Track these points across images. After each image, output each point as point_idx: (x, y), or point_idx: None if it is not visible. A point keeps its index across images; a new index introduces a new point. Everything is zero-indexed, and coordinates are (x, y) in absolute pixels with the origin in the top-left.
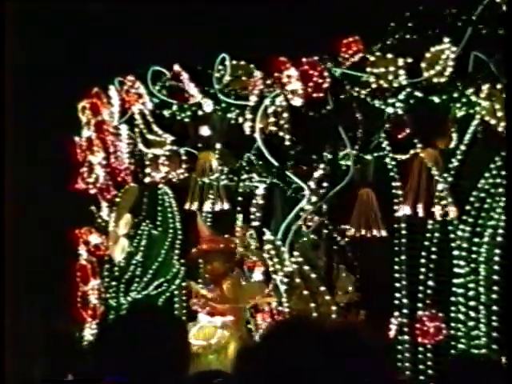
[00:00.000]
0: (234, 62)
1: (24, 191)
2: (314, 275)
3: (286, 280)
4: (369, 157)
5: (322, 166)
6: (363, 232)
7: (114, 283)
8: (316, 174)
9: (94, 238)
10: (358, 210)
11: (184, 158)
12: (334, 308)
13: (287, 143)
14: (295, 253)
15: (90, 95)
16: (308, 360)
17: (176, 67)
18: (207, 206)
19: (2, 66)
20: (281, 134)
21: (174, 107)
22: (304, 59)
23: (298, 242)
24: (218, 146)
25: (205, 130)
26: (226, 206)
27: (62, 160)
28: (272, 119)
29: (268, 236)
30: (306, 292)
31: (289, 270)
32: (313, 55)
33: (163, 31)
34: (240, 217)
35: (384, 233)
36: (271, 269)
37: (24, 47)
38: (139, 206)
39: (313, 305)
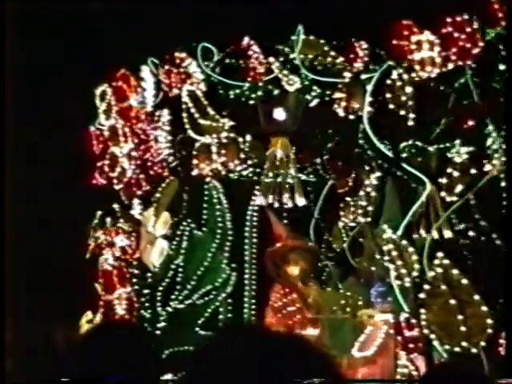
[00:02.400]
0: (304, 37)
1: (24, 191)
2: (464, 281)
3: (426, 287)
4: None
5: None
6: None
7: (147, 291)
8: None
9: (120, 240)
10: None
11: (242, 146)
12: (489, 321)
13: (410, 123)
14: (439, 254)
15: (114, 78)
16: None
17: (246, 40)
18: (285, 201)
19: (2, 66)
20: (402, 112)
21: (244, 87)
22: (449, 19)
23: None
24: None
25: (279, 113)
26: (303, 201)
27: (65, 158)
28: (388, 95)
29: (389, 234)
30: (452, 301)
31: (430, 275)
32: (453, 15)
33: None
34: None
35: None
36: (393, 273)
37: (24, 47)
38: (179, 203)
39: (460, 317)
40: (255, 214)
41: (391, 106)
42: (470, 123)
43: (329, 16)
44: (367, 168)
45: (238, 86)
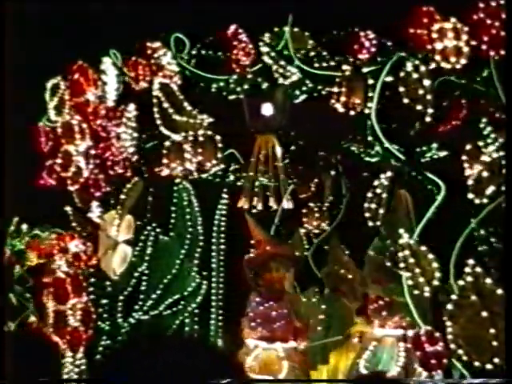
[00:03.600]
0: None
1: None
2: (499, 291)
3: (454, 298)
4: None
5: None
6: None
7: (105, 301)
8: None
9: (75, 246)
10: None
11: (220, 145)
12: None
13: (428, 120)
14: (470, 261)
15: (69, 71)
16: None
17: (233, 28)
18: (270, 205)
19: (2, 66)
20: (418, 107)
21: (231, 79)
22: (481, 4)
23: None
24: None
25: (267, 109)
26: (291, 205)
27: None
28: (402, 89)
29: (405, 239)
30: (484, 313)
31: (459, 284)
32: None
33: None
34: None
35: None
36: (409, 282)
37: (24, 47)
38: (143, 205)
39: (493, 331)
40: (223, 218)
41: (405, 101)
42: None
43: (330, 3)
44: (333, 173)
45: (222, 79)
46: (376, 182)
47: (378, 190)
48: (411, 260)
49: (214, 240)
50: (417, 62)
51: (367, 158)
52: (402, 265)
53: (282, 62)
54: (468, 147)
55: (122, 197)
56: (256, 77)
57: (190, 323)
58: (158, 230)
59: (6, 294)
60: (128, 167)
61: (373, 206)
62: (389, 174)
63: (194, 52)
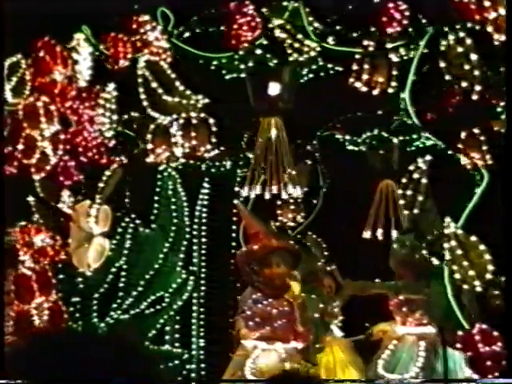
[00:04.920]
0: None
1: None
2: None
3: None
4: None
5: None
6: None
7: (77, 299)
8: None
9: (41, 240)
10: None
11: (214, 128)
12: None
13: (475, 98)
14: None
15: (34, 48)
16: None
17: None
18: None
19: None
20: (464, 84)
21: (237, 56)
22: None
23: None
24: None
25: (274, 88)
26: (299, 191)
27: None
28: (442, 64)
29: (452, 228)
30: None
31: None
32: None
33: None
34: None
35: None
36: (457, 276)
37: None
38: (121, 195)
39: None
40: (204, 209)
41: (447, 78)
42: None
43: None
44: (309, 162)
45: (223, 56)
46: (412, 167)
47: (416, 175)
48: (458, 252)
49: (195, 233)
50: (461, 34)
51: (351, 147)
52: (447, 257)
53: (300, 36)
54: None
55: (100, 185)
56: (263, 53)
57: (171, 323)
58: (137, 221)
59: None
60: (103, 153)
61: (409, 192)
62: (428, 157)
63: (187, 27)
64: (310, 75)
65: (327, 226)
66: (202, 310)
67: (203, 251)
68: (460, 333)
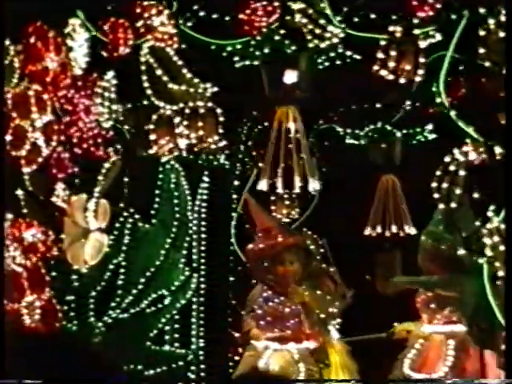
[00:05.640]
0: None
1: None
2: None
3: None
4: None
5: None
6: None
7: (70, 297)
8: None
9: (31, 235)
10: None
11: (222, 118)
12: None
13: None
14: None
15: (24, 34)
16: None
17: None
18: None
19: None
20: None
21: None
22: None
23: None
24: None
25: (291, 77)
26: (318, 186)
27: None
28: (482, 50)
29: (495, 223)
30: None
31: None
32: None
33: None
34: None
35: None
36: (501, 273)
37: None
38: (118, 188)
39: None
40: (203, 204)
41: (487, 64)
42: None
43: None
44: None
45: (237, 42)
46: (447, 159)
47: (452, 167)
48: (502, 248)
49: (194, 228)
50: (503, 19)
51: (351, 140)
52: (488, 253)
53: (322, 21)
54: None
55: (99, 178)
56: (281, 39)
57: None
58: (136, 216)
59: None
60: (100, 145)
61: (444, 185)
62: (465, 148)
63: (195, 11)
64: (326, 63)
65: (324, 223)
66: (201, 308)
67: (202, 247)
68: (494, 332)
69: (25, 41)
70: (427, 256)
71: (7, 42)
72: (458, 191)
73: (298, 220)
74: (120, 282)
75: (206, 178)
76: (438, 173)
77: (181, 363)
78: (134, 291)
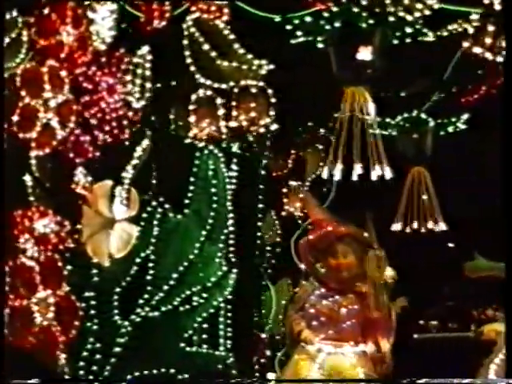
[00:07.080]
0: None
1: None
2: None
3: None
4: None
5: None
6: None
7: (91, 294)
8: None
9: (44, 225)
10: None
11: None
12: None
13: None
14: None
15: (37, 5)
16: None
17: None
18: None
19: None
20: None
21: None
22: None
23: None
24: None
25: (364, 54)
26: (389, 173)
27: None
28: None
29: None
30: None
31: None
32: None
33: None
34: None
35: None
36: None
37: None
38: (147, 175)
39: None
40: (233, 193)
41: None
42: None
43: None
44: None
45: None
46: None
47: None
48: None
49: (228, 222)
50: None
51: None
52: None
53: None
54: None
55: (130, 164)
56: (359, 11)
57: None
58: (166, 206)
59: None
60: (125, 127)
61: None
62: None
63: None
64: (395, 41)
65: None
66: (228, 307)
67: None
68: None
69: (37, 12)
70: None
71: (14, 14)
72: None
73: None
74: (149, 278)
75: (234, 166)
76: None
77: (219, 366)
78: (165, 287)
